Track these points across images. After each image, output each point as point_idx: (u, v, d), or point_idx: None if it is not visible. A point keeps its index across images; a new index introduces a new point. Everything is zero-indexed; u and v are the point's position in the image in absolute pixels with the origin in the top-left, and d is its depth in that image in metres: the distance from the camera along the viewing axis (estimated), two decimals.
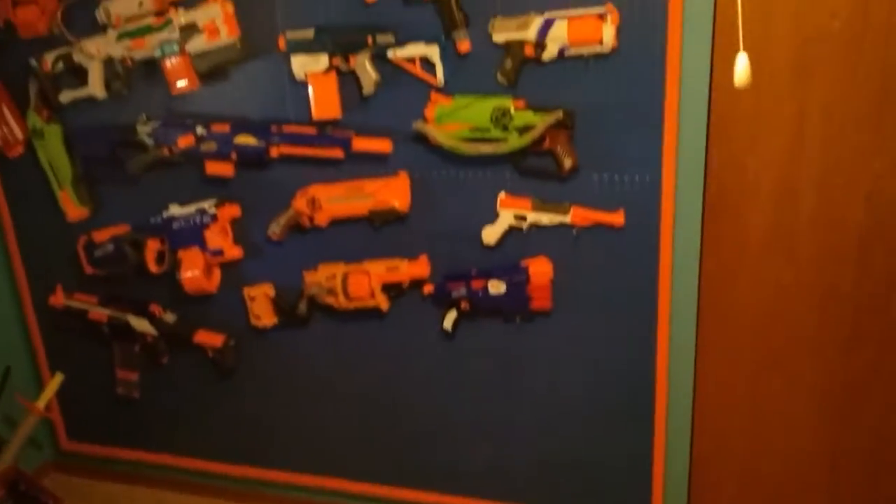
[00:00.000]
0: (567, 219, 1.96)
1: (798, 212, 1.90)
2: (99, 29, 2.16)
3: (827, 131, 1.82)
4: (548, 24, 1.82)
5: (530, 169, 1.97)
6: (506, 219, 2.01)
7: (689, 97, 1.84)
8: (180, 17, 2.06)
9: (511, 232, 2.03)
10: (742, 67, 1.25)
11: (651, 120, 1.85)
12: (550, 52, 1.84)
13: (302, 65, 2.04)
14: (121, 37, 2.13)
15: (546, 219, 1.97)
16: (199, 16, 2.04)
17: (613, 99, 1.86)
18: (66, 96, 2.26)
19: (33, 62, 2.25)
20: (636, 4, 1.78)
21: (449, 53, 1.94)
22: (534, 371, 2.16)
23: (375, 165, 2.10)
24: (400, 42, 1.96)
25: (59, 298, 2.50)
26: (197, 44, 2.07)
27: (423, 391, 2.30)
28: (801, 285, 1.95)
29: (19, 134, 2.37)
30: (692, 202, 1.91)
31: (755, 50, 1.81)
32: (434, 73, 1.97)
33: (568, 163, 1.91)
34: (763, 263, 1.96)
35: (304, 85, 2.07)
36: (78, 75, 2.23)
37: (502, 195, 2.00)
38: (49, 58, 2.23)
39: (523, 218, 1.99)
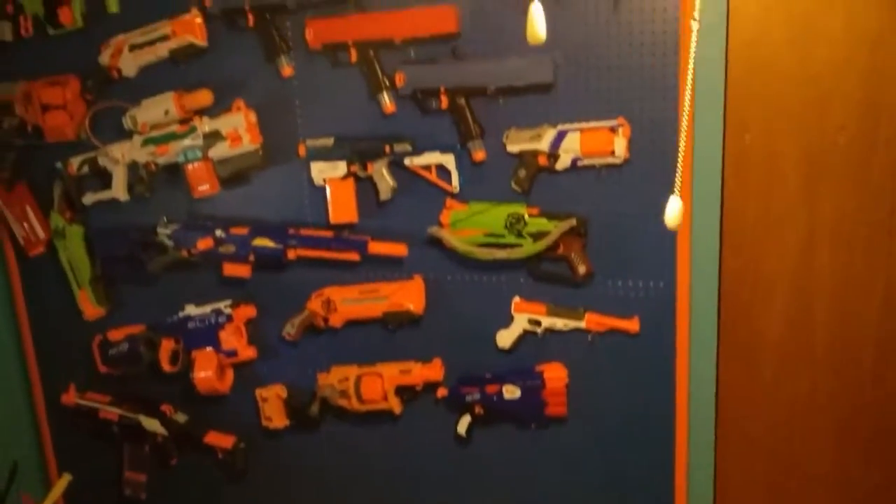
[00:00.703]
0: (582, 324, 1.96)
1: (813, 319, 1.90)
2: (125, 134, 2.23)
3: (839, 238, 1.84)
4: (561, 136, 1.87)
5: (545, 274, 1.98)
6: (520, 323, 2.01)
7: (702, 205, 1.87)
8: (204, 124, 2.13)
9: (526, 336, 2.03)
10: (673, 211, 1.24)
11: (663, 228, 1.86)
12: (563, 162, 1.89)
13: (321, 171, 2.10)
14: (146, 142, 2.19)
15: (561, 324, 1.97)
16: (223, 124, 2.11)
17: (626, 207, 1.89)
18: (89, 198, 2.32)
19: (59, 165, 2.32)
20: (647, 118, 1.83)
21: (464, 161, 1.99)
22: (549, 478, 2.12)
23: (391, 269, 2.13)
24: (417, 150, 2.01)
25: (71, 397, 2.49)
26: (220, 150, 2.13)
27: (437, 496, 2.25)
28: (818, 392, 1.93)
29: (41, 234, 2.42)
30: (707, 309, 1.92)
31: (763, 157, 1.85)
32: (449, 180, 2.01)
33: (582, 269, 1.92)
34: (780, 369, 1.95)
35: (323, 190, 2.11)
36: (102, 178, 2.30)
37: (517, 299, 2.01)
38: (75, 161, 2.30)
39: (538, 322, 1.99)
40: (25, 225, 2.40)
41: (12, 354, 2.64)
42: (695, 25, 1.06)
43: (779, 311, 1.91)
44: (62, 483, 2.56)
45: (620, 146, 1.83)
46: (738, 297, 1.93)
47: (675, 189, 1.19)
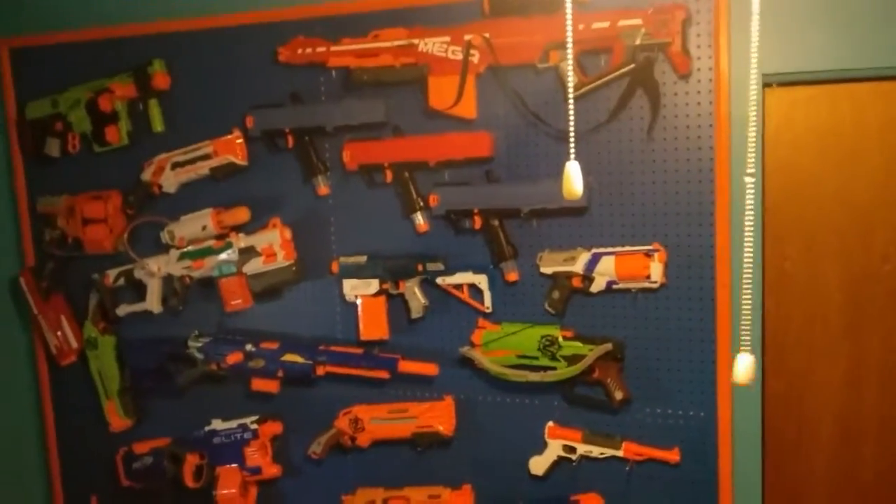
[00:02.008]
0: (619, 452, 1.89)
1: (860, 453, 1.81)
2: (162, 248, 2.26)
3: (886, 372, 1.77)
4: (595, 259, 1.86)
5: (580, 399, 1.93)
6: (554, 449, 1.95)
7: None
8: (240, 240, 2.15)
9: (560, 463, 1.96)
10: (744, 368, 1.20)
11: (703, 355, 1.83)
12: (598, 284, 1.87)
13: (353, 287, 2.10)
14: (182, 257, 2.22)
15: (597, 451, 1.91)
16: (259, 240, 2.14)
17: (664, 332, 1.85)
18: (122, 309, 2.34)
19: (96, 276, 2.35)
20: (683, 243, 1.82)
21: (497, 281, 1.99)
22: None
23: (421, 388, 2.09)
24: (449, 269, 2.01)
25: None
26: (254, 265, 2.15)
27: None
28: None
29: (74, 343, 2.43)
30: (751, 441, 1.84)
31: (804, 284, 1.81)
32: (482, 300, 2.00)
33: (619, 395, 1.87)
34: None
35: (354, 306, 2.11)
36: (137, 290, 2.32)
37: (551, 424, 1.96)
38: (111, 273, 2.33)
39: (573, 449, 1.93)
40: (59, 334, 2.42)
41: (36, 464, 2.60)
42: (749, 180, 1.06)
43: (825, 446, 1.83)
44: None
45: (657, 271, 1.81)
46: (782, 430, 1.86)
47: (744, 345, 1.15)
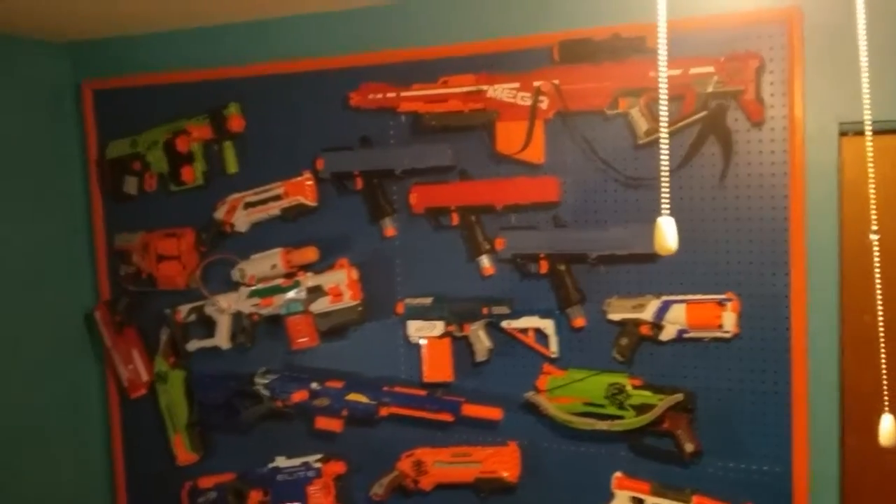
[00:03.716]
0: None
1: None
2: (232, 285, 2.31)
3: None
4: (665, 307, 1.83)
5: (648, 450, 1.89)
6: (622, 501, 1.91)
7: (819, 386, 1.77)
8: (308, 279, 2.19)
9: None
10: (887, 430, 1.16)
11: (778, 409, 1.78)
12: (668, 333, 1.84)
13: (418, 329, 2.11)
14: (252, 294, 2.27)
15: None
16: (326, 280, 2.17)
17: (737, 384, 1.81)
18: (192, 345, 2.39)
19: (168, 312, 2.42)
20: (757, 293, 1.78)
21: (563, 326, 1.97)
22: None
23: (484, 432, 2.07)
24: (515, 313, 2.00)
25: None
26: (321, 304, 2.18)
27: None
28: None
29: (145, 376, 2.49)
30: (828, 498, 1.77)
31: (884, 338, 1.74)
32: (547, 345, 1.98)
33: (689, 447, 1.82)
34: None
35: (419, 348, 2.12)
36: (207, 326, 2.37)
37: (618, 475, 1.92)
38: (183, 309, 2.39)
39: (641, 501, 1.88)
40: (131, 367, 2.49)
41: (104, 494, 2.66)
42: (874, 237, 1.03)
43: None
44: None
45: (730, 321, 1.77)
46: (861, 487, 1.78)
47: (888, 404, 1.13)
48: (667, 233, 0.98)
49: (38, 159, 2.49)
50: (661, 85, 0.98)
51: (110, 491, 2.65)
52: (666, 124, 0.97)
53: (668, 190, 0.96)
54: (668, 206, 0.98)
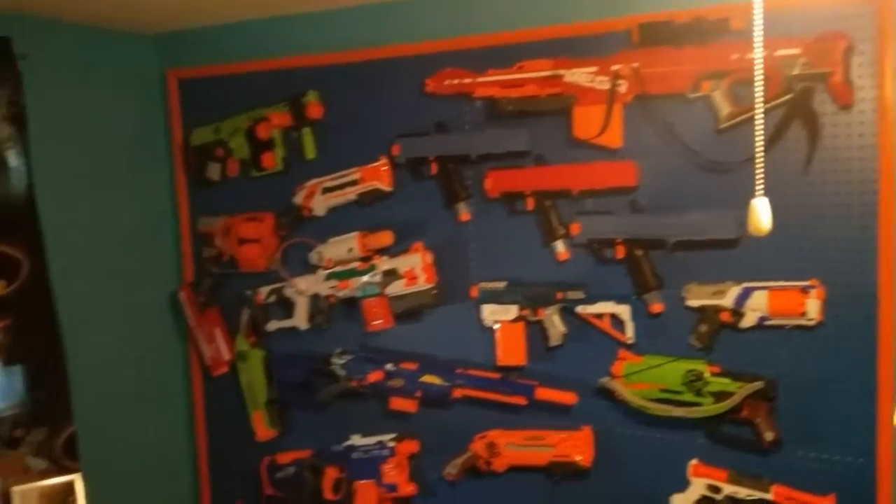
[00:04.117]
0: (768, 496, 1.81)
1: None
2: (310, 268, 2.38)
3: None
4: (746, 293, 1.81)
5: (726, 438, 1.87)
6: (698, 488, 1.90)
7: None
8: (384, 263, 2.24)
9: (702, 502, 1.90)
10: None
11: (862, 398, 1.73)
12: (749, 320, 1.81)
13: (492, 313, 2.13)
14: (329, 277, 2.33)
15: (743, 493, 1.84)
16: (401, 263, 2.21)
17: (820, 372, 1.77)
18: (272, 325, 2.47)
19: (248, 293, 2.50)
20: (843, 280, 1.74)
21: (639, 312, 1.96)
22: None
23: (557, 417, 2.09)
24: (590, 298, 2.00)
25: None
26: (396, 287, 2.22)
27: None
28: None
29: (226, 355, 2.58)
30: None
31: None
32: (623, 331, 1.98)
33: (769, 436, 1.80)
34: None
35: (492, 331, 2.14)
36: (285, 307, 2.45)
37: (694, 462, 1.91)
38: (263, 291, 2.47)
39: (717, 489, 1.87)
40: (213, 346, 2.59)
41: (188, 465, 2.78)
42: None
43: None
44: None
45: (814, 308, 1.73)
46: None
47: None
48: (761, 213, 0.98)
49: (126, 146, 2.60)
50: (756, 64, 0.97)
51: (193, 464, 2.77)
52: (761, 102, 0.96)
53: (762, 170, 0.95)
54: (762, 186, 0.97)
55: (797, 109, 1.74)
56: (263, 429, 2.52)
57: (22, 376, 2.34)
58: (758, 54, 0.93)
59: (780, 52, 1.72)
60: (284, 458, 2.47)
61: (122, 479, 2.56)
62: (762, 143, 1.00)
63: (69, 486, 2.13)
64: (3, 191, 2.29)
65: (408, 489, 2.27)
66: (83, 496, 2.13)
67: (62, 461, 2.37)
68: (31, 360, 2.35)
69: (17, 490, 2.05)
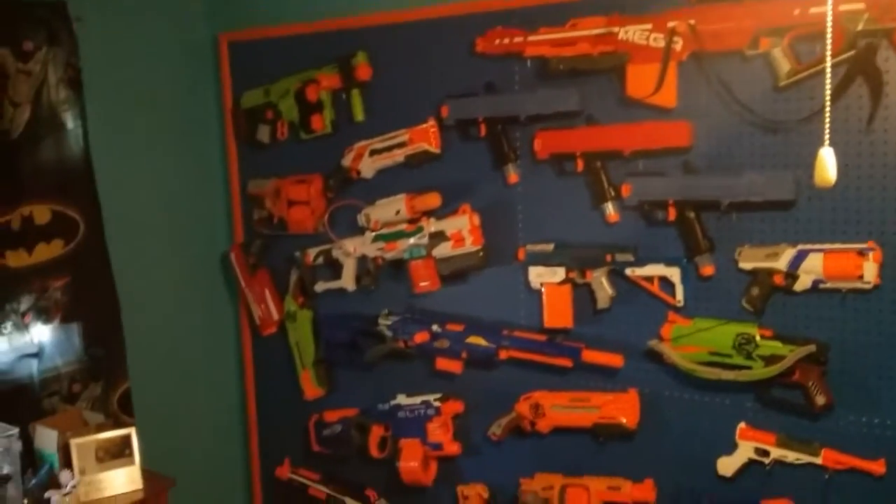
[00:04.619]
0: (817, 460, 1.79)
1: None
2: (357, 230, 2.40)
3: None
4: (801, 256, 1.77)
5: (775, 401, 1.85)
6: (745, 451, 1.88)
7: None
8: (431, 225, 2.24)
9: (750, 466, 1.89)
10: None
11: None
12: (803, 283, 1.78)
13: (539, 275, 2.13)
14: (376, 239, 2.35)
15: (792, 457, 1.82)
16: (448, 225, 2.22)
17: (875, 337, 1.74)
18: (320, 286, 2.51)
19: (297, 255, 2.54)
20: None
21: (690, 275, 1.94)
22: None
23: (604, 379, 2.08)
24: (639, 261, 1.99)
25: (285, 471, 2.65)
26: (442, 249, 2.23)
27: None
28: None
29: (276, 315, 2.63)
30: None
31: None
32: (673, 293, 1.96)
33: (821, 400, 1.77)
34: None
35: (539, 293, 2.14)
36: (333, 269, 2.48)
37: (742, 426, 1.89)
38: (311, 252, 2.51)
39: (766, 453, 1.85)
40: (263, 306, 2.63)
41: (238, 424, 2.86)
42: None
43: None
44: None
45: (871, 271, 1.69)
46: None
47: None
48: (828, 164, 0.96)
49: (178, 109, 2.66)
50: (827, 17, 0.94)
51: (243, 421, 2.84)
52: (829, 54, 0.94)
53: (829, 122, 0.92)
54: (828, 138, 0.95)
55: (860, 66, 1.68)
56: (311, 387, 2.57)
57: (79, 334, 2.42)
58: (829, 6, 0.90)
59: (844, 7, 1.67)
60: (331, 416, 2.52)
61: (174, 434, 2.65)
62: (829, 94, 0.97)
63: (126, 439, 2.20)
64: (60, 152, 2.36)
65: (452, 448, 2.30)
66: (138, 449, 2.20)
67: (118, 416, 2.46)
68: (88, 318, 2.44)
69: (75, 442, 2.13)
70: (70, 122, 2.37)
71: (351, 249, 2.41)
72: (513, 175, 2.16)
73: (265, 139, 2.58)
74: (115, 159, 2.46)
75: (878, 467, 1.74)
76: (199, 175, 2.73)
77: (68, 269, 2.38)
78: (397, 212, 2.30)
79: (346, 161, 2.40)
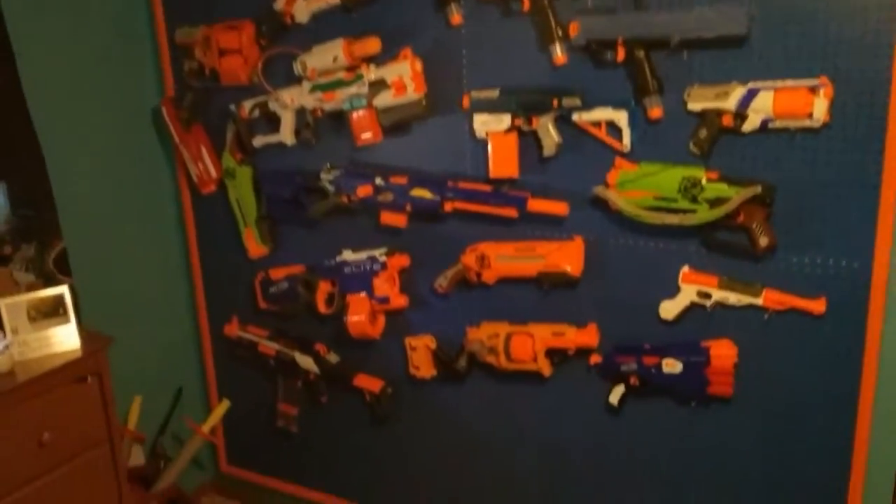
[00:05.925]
0: (758, 301, 1.81)
1: None
2: (295, 80, 2.26)
3: None
4: (751, 95, 1.70)
5: (720, 244, 1.84)
6: (688, 295, 1.89)
7: None
8: (371, 72, 2.12)
9: (692, 309, 1.91)
10: None
11: (864, 202, 1.68)
12: (752, 123, 1.72)
13: (484, 123, 2.04)
14: (314, 89, 2.22)
15: (734, 298, 1.83)
16: (389, 72, 2.09)
17: (821, 176, 1.71)
18: (258, 141, 2.39)
19: (232, 108, 2.41)
20: (854, 78, 1.63)
21: (638, 119, 1.87)
22: (703, 459, 2.01)
23: (549, 228, 2.05)
24: (587, 105, 1.91)
25: (233, 328, 2.64)
26: (384, 99, 2.12)
27: (582, 465, 2.20)
28: None
29: (214, 173, 2.53)
30: None
31: None
32: (620, 138, 1.90)
33: (764, 241, 1.77)
34: None
35: (484, 143, 2.06)
36: (271, 122, 2.36)
37: (686, 269, 1.89)
38: (247, 105, 2.37)
39: (707, 295, 1.87)
40: (200, 164, 2.52)
41: (183, 284, 2.81)
42: None
43: None
44: (221, 408, 2.74)
45: (820, 108, 1.64)
46: None
47: None
48: None
49: None
50: None
51: (188, 282, 2.79)
52: None
53: None
54: None
55: None
56: (255, 245, 2.51)
57: (4, 194, 2.30)
58: None
59: None
60: (277, 273, 2.49)
61: (117, 295, 2.60)
62: None
63: (59, 299, 2.13)
64: None
65: (399, 301, 2.29)
66: (73, 308, 2.14)
67: (54, 276, 2.39)
68: (14, 178, 2.31)
69: (4, 302, 2.06)
70: None
71: (288, 101, 2.28)
72: (456, 15, 2.02)
73: None
74: (30, 10, 2.24)
75: (817, 306, 1.77)
76: (123, 23, 2.52)
77: None
78: (335, 59, 2.16)
79: (279, 5, 2.22)
